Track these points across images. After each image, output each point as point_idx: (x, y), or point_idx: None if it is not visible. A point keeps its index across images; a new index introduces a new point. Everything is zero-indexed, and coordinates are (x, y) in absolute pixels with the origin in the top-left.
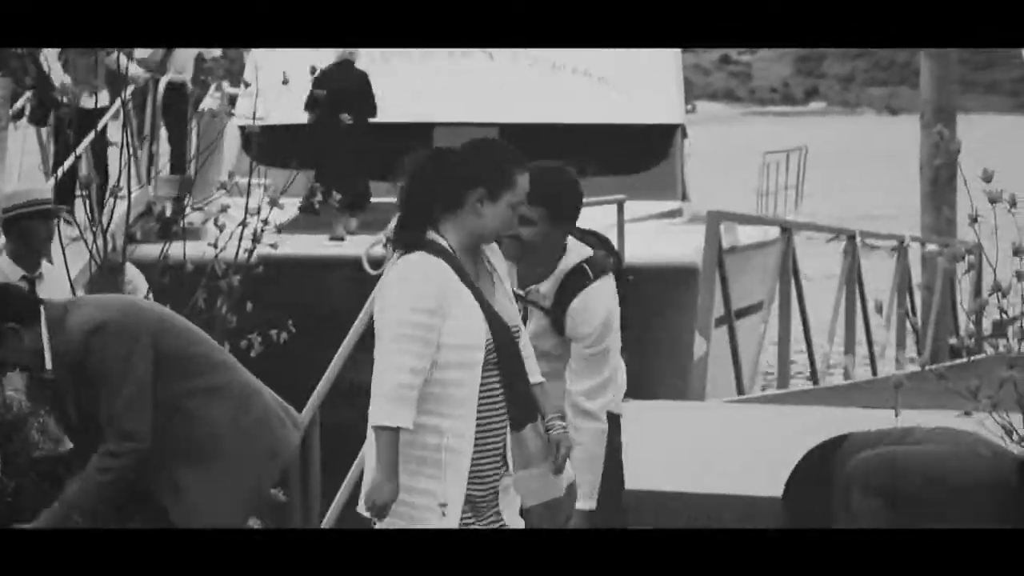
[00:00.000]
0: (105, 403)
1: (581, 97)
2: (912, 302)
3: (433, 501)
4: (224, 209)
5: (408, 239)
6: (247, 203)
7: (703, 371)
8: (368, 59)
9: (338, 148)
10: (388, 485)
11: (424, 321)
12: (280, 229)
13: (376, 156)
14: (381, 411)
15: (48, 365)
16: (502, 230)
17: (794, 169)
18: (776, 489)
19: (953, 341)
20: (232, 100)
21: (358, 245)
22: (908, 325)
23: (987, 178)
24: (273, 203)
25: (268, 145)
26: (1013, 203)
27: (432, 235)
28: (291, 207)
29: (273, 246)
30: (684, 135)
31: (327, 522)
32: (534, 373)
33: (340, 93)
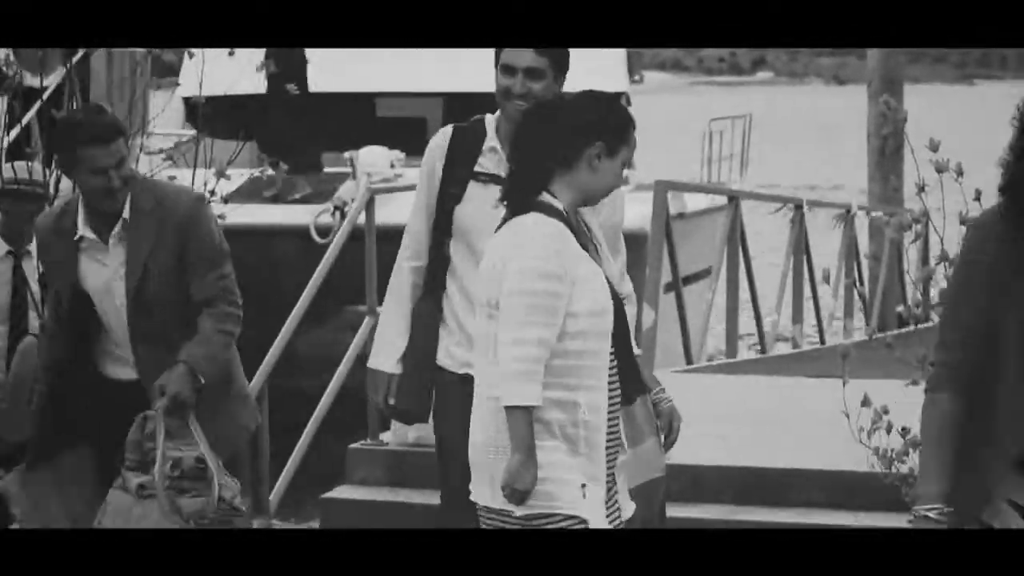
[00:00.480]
0: (216, 270)
1: None
2: (859, 271)
3: (575, 480)
4: (171, 180)
5: (522, 201)
6: (193, 175)
7: (651, 341)
8: None
9: (284, 117)
10: (529, 469)
11: (553, 289)
12: (227, 200)
13: (320, 126)
14: (512, 390)
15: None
16: (613, 188)
17: (739, 137)
18: (722, 459)
19: (900, 310)
20: (174, 68)
21: (305, 213)
22: (856, 294)
23: (934, 147)
24: (220, 174)
25: (213, 116)
26: (960, 172)
27: (544, 195)
28: (237, 178)
29: (221, 217)
30: (628, 103)
31: (275, 494)
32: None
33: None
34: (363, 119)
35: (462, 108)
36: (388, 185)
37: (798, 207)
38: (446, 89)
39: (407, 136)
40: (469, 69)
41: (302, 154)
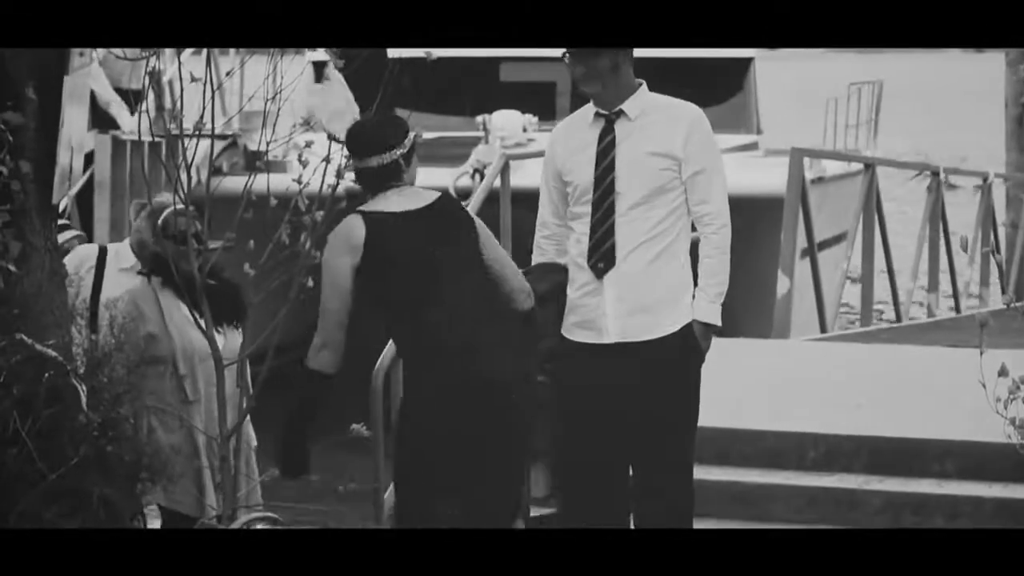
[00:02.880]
0: None
1: None
2: (996, 240)
3: None
4: (308, 144)
5: None
6: (330, 140)
7: (786, 309)
8: None
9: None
10: None
11: None
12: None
13: (443, 91)
14: None
15: None
16: None
17: (869, 104)
18: (856, 428)
19: None
20: None
21: (445, 175)
22: (992, 263)
23: None
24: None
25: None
26: None
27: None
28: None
29: (355, 181)
30: (752, 69)
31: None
32: None
33: None
34: (487, 84)
35: None
36: (523, 151)
37: (935, 174)
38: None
39: (536, 101)
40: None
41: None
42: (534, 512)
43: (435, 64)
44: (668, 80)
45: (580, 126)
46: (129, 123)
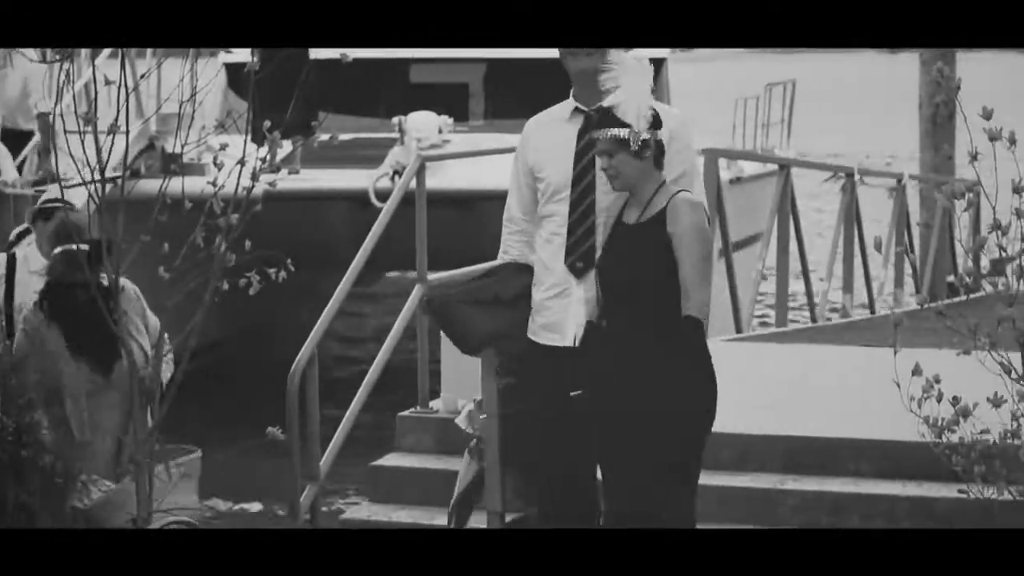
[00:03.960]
0: None
1: None
2: (910, 240)
3: None
4: (223, 147)
5: None
6: (245, 141)
7: None
8: None
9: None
10: None
11: None
12: (278, 168)
13: (355, 92)
14: None
15: None
16: None
17: (782, 104)
18: (771, 428)
19: (951, 279)
20: None
21: (364, 178)
22: (907, 263)
23: (987, 115)
24: (272, 143)
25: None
26: (1012, 141)
27: None
28: (288, 144)
29: (271, 185)
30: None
31: (325, 461)
32: None
33: None
34: (397, 85)
35: (504, 73)
36: (439, 152)
37: (849, 175)
38: (486, 56)
39: (448, 103)
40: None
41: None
42: (508, 516)
43: (348, 66)
44: None
45: (557, 122)
46: (12, 174)
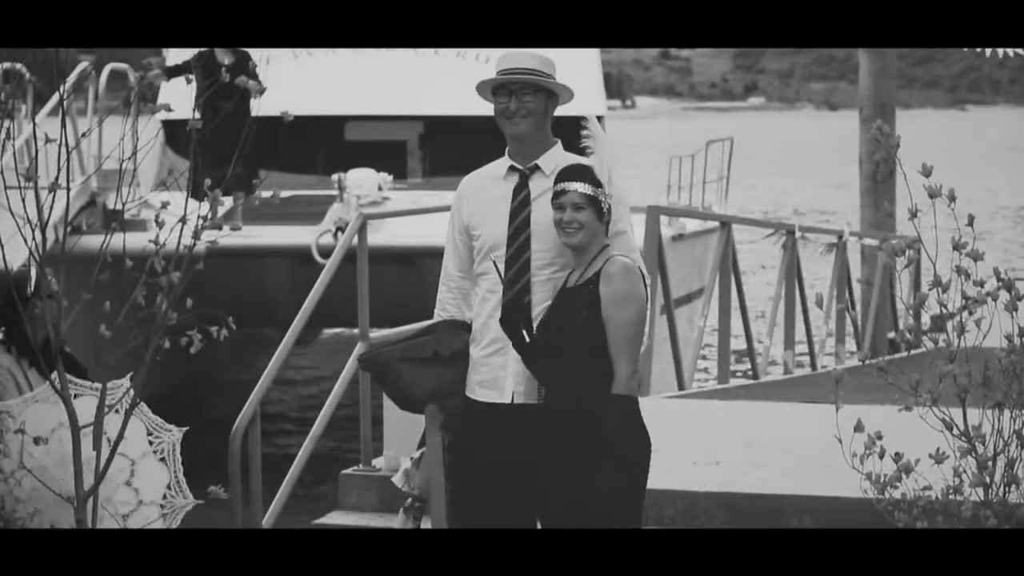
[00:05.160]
0: None
1: None
2: (851, 296)
3: None
4: (164, 205)
5: None
6: (187, 199)
7: (644, 366)
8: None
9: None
10: None
11: None
12: (220, 226)
13: (293, 149)
14: None
15: None
16: None
17: (720, 161)
18: (715, 484)
19: (892, 335)
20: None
21: (307, 234)
22: (848, 319)
23: (926, 173)
24: (214, 201)
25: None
26: (952, 198)
27: None
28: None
29: (212, 243)
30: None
31: (268, 519)
32: None
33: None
34: (331, 142)
35: (440, 130)
36: (379, 210)
37: (790, 233)
38: (422, 112)
39: (385, 160)
40: (444, 92)
41: (237, 176)
42: None
43: (287, 123)
44: None
45: (492, 179)
46: None
